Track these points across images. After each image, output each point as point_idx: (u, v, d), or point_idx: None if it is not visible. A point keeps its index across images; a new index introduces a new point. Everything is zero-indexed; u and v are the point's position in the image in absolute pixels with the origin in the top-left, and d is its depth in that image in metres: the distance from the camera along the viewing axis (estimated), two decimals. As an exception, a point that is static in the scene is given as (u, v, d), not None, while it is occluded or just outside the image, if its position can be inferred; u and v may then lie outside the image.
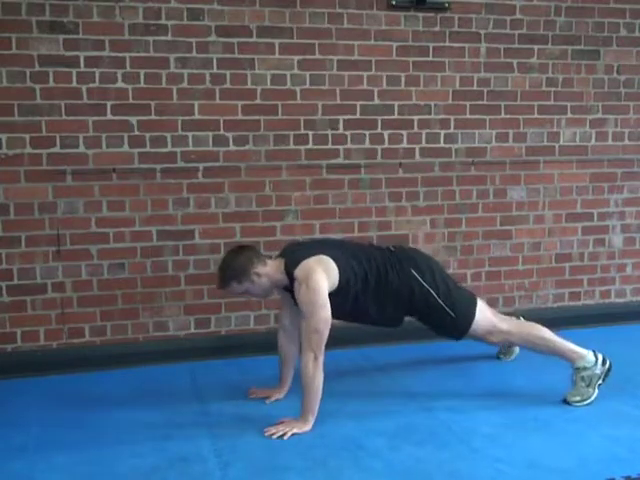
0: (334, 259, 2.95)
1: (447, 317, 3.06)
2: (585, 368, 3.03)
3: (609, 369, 3.06)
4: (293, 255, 3.01)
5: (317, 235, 3.94)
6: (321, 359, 2.81)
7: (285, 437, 2.76)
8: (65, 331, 3.71)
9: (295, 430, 2.79)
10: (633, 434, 2.75)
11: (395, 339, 3.81)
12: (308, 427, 2.82)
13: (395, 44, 3.99)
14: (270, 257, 3.12)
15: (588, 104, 4.33)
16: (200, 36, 3.71)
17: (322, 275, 2.85)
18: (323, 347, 2.82)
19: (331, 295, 2.88)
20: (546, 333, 3.09)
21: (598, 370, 3.03)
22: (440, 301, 3.05)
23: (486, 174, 4.22)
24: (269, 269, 3.01)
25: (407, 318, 3.24)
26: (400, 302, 3.08)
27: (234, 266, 2.99)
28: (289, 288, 3.01)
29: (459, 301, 3.10)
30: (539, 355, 3.16)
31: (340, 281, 2.93)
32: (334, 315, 2.86)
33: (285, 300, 3.16)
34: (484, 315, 3.11)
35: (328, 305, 2.83)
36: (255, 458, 2.60)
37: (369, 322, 3.20)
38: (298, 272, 2.88)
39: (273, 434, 2.78)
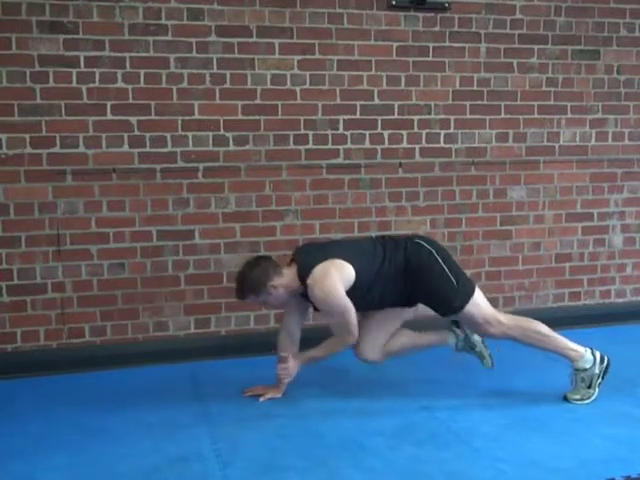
0: (345, 259, 2.98)
1: (450, 286, 3.03)
2: (584, 369, 3.03)
3: (607, 366, 3.06)
4: (305, 260, 3.03)
5: (317, 235, 3.94)
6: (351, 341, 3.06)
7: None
8: (65, 331, 3.71)
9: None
10: (633, 434, 2.75)
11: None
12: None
13: (395, 44, 3.99)
14: (285, 266, 3.10)
15: (588, 104, 4.33)
16: (200, 36, 3.71)
17: (336, 278, 2.92)
18: (354, 336, 3.03)
19: (348, 293, 2.94)
20: (545, 329, 3.08)
21: (597, 369, 3.03)
22: (445, 267, 3.04)
23: (486, 174, 4.22)
24: (285, 280, 3.03)
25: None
26: (409, 272, 3.05)
27: (251, 279, 3.02)
28: (305, 294, 3.02)
29: (461, 273, 3.12)
30: (539, 355, 3.16)
31: (356, 278, 2.96)
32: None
33: (294, 304, 3.15)
34: (483, 300, 3.10)
35: (348, 303, 2.94)
36: (255, 458, 2.60)
37: (386, 306, 3.20)
38: (311, 280, 2.94)
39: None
